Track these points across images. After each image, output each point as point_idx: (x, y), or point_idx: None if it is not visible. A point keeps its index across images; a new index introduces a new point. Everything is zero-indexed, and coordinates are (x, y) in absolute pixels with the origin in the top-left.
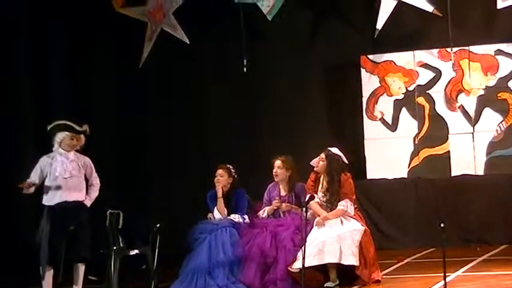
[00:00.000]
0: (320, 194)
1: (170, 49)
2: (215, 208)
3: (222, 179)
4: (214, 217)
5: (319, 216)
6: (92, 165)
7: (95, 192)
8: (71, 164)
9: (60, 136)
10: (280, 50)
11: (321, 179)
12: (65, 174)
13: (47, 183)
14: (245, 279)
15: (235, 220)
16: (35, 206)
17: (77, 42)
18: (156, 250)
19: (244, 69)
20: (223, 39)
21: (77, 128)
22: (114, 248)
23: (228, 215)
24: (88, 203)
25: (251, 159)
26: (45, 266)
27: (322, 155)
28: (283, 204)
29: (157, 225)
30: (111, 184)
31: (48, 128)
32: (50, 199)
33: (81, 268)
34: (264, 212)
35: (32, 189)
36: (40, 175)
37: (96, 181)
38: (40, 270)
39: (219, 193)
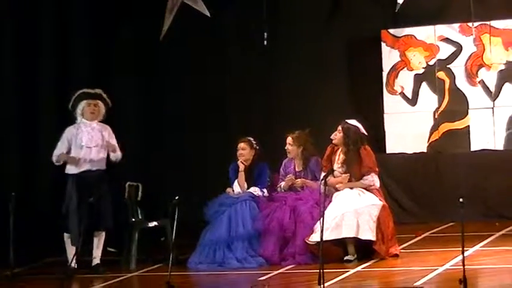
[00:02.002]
0: (336, 166)
1: (191, 22)
2: (236, 181)
3: (244, 152)
4: (233, 191)
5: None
6: (113, 134)
7: (114, 156)
8: (96, 133)
9: (80, 107)
10: (301, 24)
11: (338, 152)
12: (91, 143)
13: (72, 152)
14: (264, 252)
15: (255, 193)
16: (52, 175)
17: (97, 15)
18: (175, 222)
19: (265, 42)
20: (244, 12)
21: (91, 91)
22: (133, 220)
23: (248, 187)
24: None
25: (270, 133)
26: (77, 234)
27: (339, 127)
28: (297, 180)
29: (176, 198)
30: (130, 157)
31: (70, 105)
32: (74, 168)
33: (102, 236)
34: (280, 188)
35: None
36: (67, 145)
37: (116, 149)
38: (68, 238)
39: (241, 167)
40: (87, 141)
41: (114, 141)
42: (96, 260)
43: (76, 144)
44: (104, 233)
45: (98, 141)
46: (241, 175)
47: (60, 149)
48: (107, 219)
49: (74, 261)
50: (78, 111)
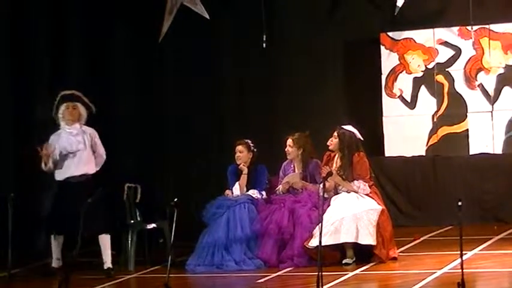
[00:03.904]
0: (334, 172)
1: (190, 24)
2: (236, 183)
3: (242, 155)
4: (232, 193)
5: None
6: (97, 136)
7: (99, 158)
8: (75, 138)
9: (60, 111)
10: (300, 26)
11: (335, 158)
12: (71, 148)
13: (56, 159)
14: (262, 255)
15: (253, 196)
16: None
17: (96, 16)
18: (174, 224)
19: (264, 44)
20: (242, 15)
21: (68, 92)
22: (132, 221)
23: (247, 190)
24: (93, 170)
25: (269, 136)
26: (52, 235)
27: (335, 133)
28: (299, 182)
29: (175, 200)
30: (129, 158)
31: (53, 112)
32: (59, 174)
33: (105, 239)
34: (279, 190)
35: (51, 162)
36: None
37: (101, 151)
38: (52, 239)
39: (245, 170)
40: (67, 146)
41: (98, 146)
42: (107, 264)
43: (59, 151)
44: (106, 236)
45: (78, 146)
46: (244, 177)
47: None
48: (97, 223)
49: (56, 260)
50: (60, 116)
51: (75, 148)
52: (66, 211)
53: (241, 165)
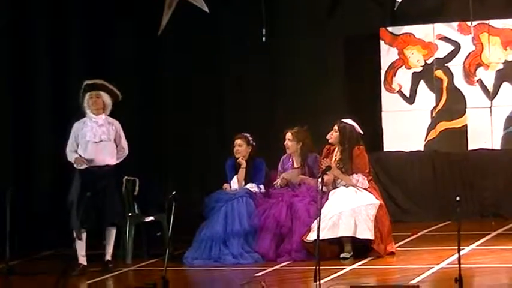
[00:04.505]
0: (334, 166)
1: (189, 18)
2: (235, 177)
3: (241, 149)
4: (230, 186)
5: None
6: (121, 129)
7: (121, 152)
8: (100, 128)
9: (85, 100)
10: (299, 21)
11: (335, 151)
12: (95, 138)
13: (79, 147)
14: (260, 249)
15: (252, 190)
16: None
17: (96, 9)
18: (172, 217)
19: (263, 38)
20: (242, 9)
21: (90, 82)
22: (130, 214)
23: (245, 184)
24: (114, 162)
25: (268, 130)
26: (79, 229)
27: (335, 127)
28: (299, 176)
29: (173, 193)
30: (128, 151)
31: (79, 101)
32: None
33: (111, 232)
34: (277, 184)
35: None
36: (75, 141)
37: (124, 145)
38: (73, 233)
39: (243, 164)
40: (91, 136)
41: (122, 139)
42: (107, 256)
43: (82, 140)
44: (113, 229)
45: (102, 136)
46: (242, 171)
47: (71, 146)
48: (111, 215)
49: (82, 256)
50: (85, 105)
51: (98, 138)
52: (91, 205)
53: (239, 159)
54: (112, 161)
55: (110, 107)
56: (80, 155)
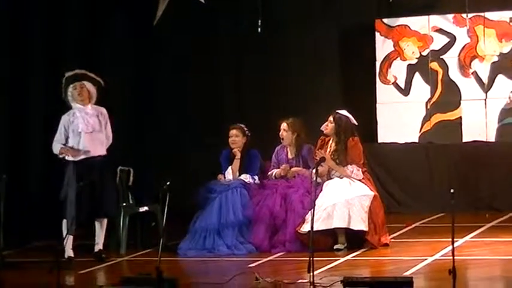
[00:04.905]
0: (328, 157)
1: (185, 7)
2: (229, 168)
3: (237, 139)
4: (224, 177)
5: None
6: (107, 116)
7: (107, 140)
8: (91, 118)
9: (69, 93)
10: (295, 12)
11: (330, 142)
12: (88, 129)
13: (70, 140)
14: (254, 240)
15: (246, 180)
16: (43, 158)
17: (91, 5)
18: (166, 208)
19: (259, 29)
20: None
21: (71, 73)
22: (124, 204)
23: (240, 174)
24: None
25: (263, 120)
26: (73, 221)
27: (330, 118)
28: (291, 169)
29: (167, 183)
30: (122, 141)
31: (62, 94)
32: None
33: (104, 223)
34: (272, 175)
35: (67, 151)
36: (64, 134)
37: (109, 133)
38: (64, 224)
39: (238, 155)
40: (84, 127)
41: (108, 127)
42: (99, 246)
43: (73, 131)
44: (105, 220)
45: (94, 126)
46: (237, 162)
47: (59, 139)
48: (107, 206)
49: (70, 249)
50: (69, 98)
51: (91, 128)
52: (86, 196)
53: (234, 150)
54: (104, 150)
55: (95, 95)
56: (64, 145)
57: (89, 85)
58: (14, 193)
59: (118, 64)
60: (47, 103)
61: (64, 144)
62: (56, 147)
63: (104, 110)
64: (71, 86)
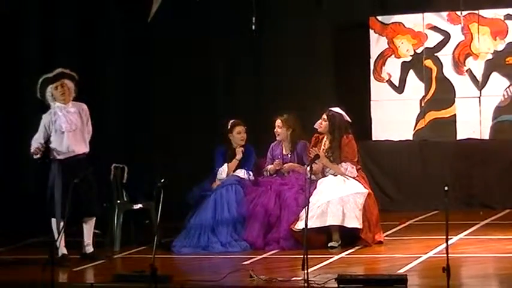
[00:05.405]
0: (322, 155)
1: (179, 4)
2: (225, 164)
3: (245, 136)
4: (217, 172)
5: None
6: (88, 112)
7: (88, 135)
8: (73, 116)
9: (48, 94)
10: (289, 10)
11: (324, 140)
12: (71, 127)
13: (53, 139)
14: (248, 237)
15: (240, 176)
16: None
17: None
18: (160, 205)
19: (253, 26)
20: None
21: (50, 75)
22: (118, 202)
23: (235, 170)
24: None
25: (257, 117)
26: (60, 219)
27: (324, 116)
28: (285, 165)
29: (162, 180)
30: (116, 139)
31: (38, 94)
32: (59, 153)
33: (91, 222)
34: (266, 171)
35: (41, 151)
36: (45, 134)
37: (90, 128)
38: (54, 223)
39: (240, 155)
40: (67, 126)
41: (89, 123)
42: (90, 248)
43: (56, 131)
44: (92, 219)
45: (77, 124)
46: (236, 162)
47: (37, 139)
48: (92, 206)
49: (63, 246)
50: (49, 98)
51: (74, 126)
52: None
53: (238, 148)
54: (87, 148)
55: (74, 90)
56: (41, 144)
57: (67, 82)
58: (8, 191)
59: (111, 62)
60: (42, 102)
61: (44, 144)
62: (32, 147)
63: (84, 106)
64: (51, 86)
